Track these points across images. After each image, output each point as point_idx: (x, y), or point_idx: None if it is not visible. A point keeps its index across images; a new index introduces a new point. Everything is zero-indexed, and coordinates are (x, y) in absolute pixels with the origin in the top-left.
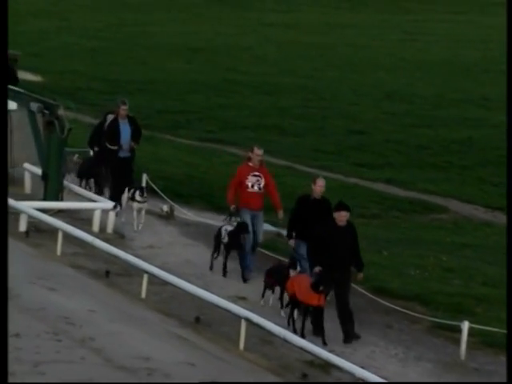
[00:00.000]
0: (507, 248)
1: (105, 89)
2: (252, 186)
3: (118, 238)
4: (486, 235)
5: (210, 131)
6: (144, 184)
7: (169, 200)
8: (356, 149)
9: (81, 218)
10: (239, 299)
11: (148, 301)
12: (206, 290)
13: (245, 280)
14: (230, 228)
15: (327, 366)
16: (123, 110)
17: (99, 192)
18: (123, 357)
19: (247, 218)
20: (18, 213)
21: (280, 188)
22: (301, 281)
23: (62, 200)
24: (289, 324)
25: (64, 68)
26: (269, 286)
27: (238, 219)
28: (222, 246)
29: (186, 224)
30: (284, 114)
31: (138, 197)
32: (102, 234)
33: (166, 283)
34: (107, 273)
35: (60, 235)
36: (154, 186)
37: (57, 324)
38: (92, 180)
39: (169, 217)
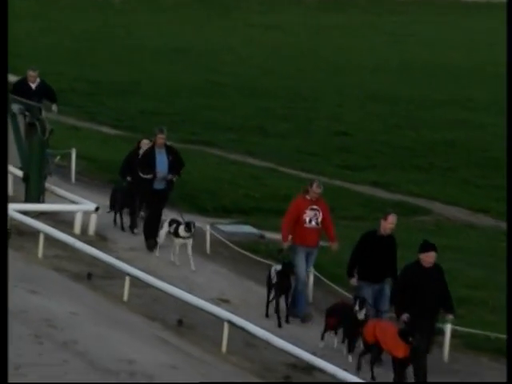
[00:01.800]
0: (507, 251)
1: (88, 90)
2: (309, 221)
3: (101, 240)
4: (469, 237)
5: (194, 133)
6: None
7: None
8: (340, 150)
9: (62, 220)
10: (222, 302)
11: (130, 303)
12: (189, 292)
13: (304, 321)
14: (278, 268)
15: (310, 368)
16: (160, 138)
17: (133, 225)
18: (106, 359)
19: (302, 256)
20: None
21: (263, 190)
22: (385, 328)
23: (43, 202)
24: (359, 369)
25: (47, 69)
26: (331, 327)
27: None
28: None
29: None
30: (267, 116)
31: (182, 232)
32: (83, 236)
33: (148, 286)
34: (89, 275)
35: (41, 237)
36: None
37: (39, 327)
38: (125, 211)
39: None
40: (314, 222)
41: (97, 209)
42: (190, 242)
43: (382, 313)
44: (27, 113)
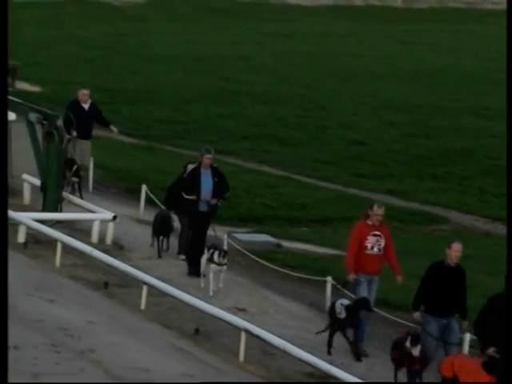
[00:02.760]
0: (507, 254)
1: (103, 99)
2: (371, 248)
3: (117, 249)
4: (486, 246)
5: (209, 141)
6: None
7: (168, 211)
8: (355, 159)
9: (80, 229)
10: (239, 310)
11: (147, 312)
12: (206, 301)
13: (359, 357)
14: (346, 302)
15: (327, 377)
16: (207, 158)
17: (180, 252)
18: (122, 368)
19: (364, 285)
20: (16, 224)
21: (279, 199)
22: (464, 362)
23: (60, 211)
24: None
25: (62, 78)
26: (392, 360)
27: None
28: (336, 323)
29: None
30: (282, 124)
31: (216, 258)
32: (100, 244)
33: (165, 294)
34: (106, 284)
35: (59, 246)
36: (152, 196)
37: (55, 335)
38: (168, 238)
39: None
40: (376, 249)
41: (114, 218)
42: (223, 268)
43: (451, 345)
44: (45, 122)
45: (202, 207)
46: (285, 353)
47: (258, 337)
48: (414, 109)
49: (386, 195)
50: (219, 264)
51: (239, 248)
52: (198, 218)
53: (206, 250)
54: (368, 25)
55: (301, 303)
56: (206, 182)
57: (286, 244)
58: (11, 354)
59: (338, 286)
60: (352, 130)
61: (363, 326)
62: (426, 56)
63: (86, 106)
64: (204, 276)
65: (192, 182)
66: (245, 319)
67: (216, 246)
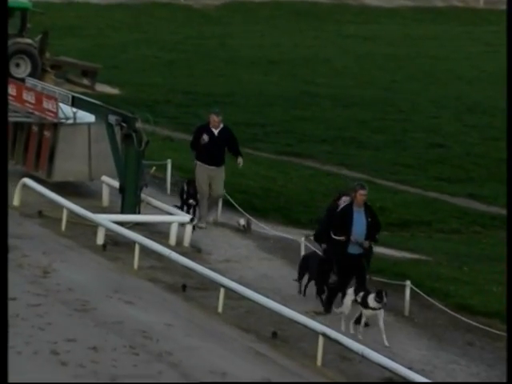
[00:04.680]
0: (507, 251)
1: (183, 102)
2: None
3: (195, 251)
4: None
5: (288, 144)
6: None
7: (246, 214)
8: (436, 162)
9: (158, 231)
10: (317, 314)
11: (225, 315)
12: (283, 305)
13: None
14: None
15: (406, 383)
16: (361, 195)
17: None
18: (200, 372)
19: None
20: (95, 226)
21: None
22: None
23: (139, 213)
24: None
25: (142, 80)
26: None
27: None
28: None
29: (263, 238)
30: (362, 127)
31: (372, 302)
32: (178, 247)
33: (242, 298)
34: (184, 287)
35: (137, 248)
36: (231, 199)
37: (134, 338)
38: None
39: (246, 230)
40: None
41: (192, 220)
42: (381, 312)
43: None
44: (124, 124)
45: (353, 249)
46: (363, 357)
47: (336, 341)
48: (499, 112)
49: (467, 199)
50: (375, 308)
51: (317, 251)
52: (350, 262)
53: (351, 291)
54: (449, 26)
55: None
56: (360, 223)
57: None
58: (90, 355)
59: (417, 290)
60: (433, 133)
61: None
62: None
63: (215, 131)
64: (344, 317)
65: (343, 221)
66: (322, 323)
67: (366, 289)
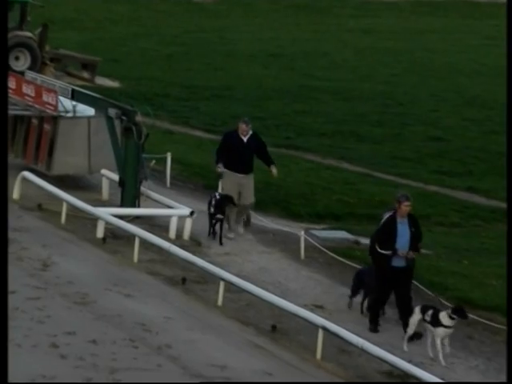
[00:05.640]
0: (507, 248)
1: (182, 95)
2: None
3: (195, 244)
4: None
5: (287, 138)
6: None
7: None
8: (435, 156)
9: (158, 225)
10: (316, 308)
11: (224, 308)
12: (283, 298)
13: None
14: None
15: (406, 376)
16: (406, 206)
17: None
18: (199, 365)
19: None
20: (95, 219)
21: (357, 195)
22: None
23: (138, 206)
24: None
25: (141, 74)
26: None
27: None
28: None
29: (263, 231)
30: (362, 121)
31: (446, 320)
32: (178, 240)
33: (242, 291)
34: (184, 280)
35: (137, 242)
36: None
37: (133, 331)
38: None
39: (245, 224)
40: None
41: (191, 213)
42: (450, 331)
43: None
44: (123, 117)
45: (397, 262)
46: (363, 351)
47: (335, 334)
48: (498, 105)
49: (467, 192)
50: (449, 327)
51: (317, 245)
52: (393, 276)
53: (418, 311)
54: (449, 19)
55: None
56: (403, 234)
57: (364, 241)
58: (89, 348)
59: (417, 284)
60: (432, 126)
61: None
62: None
63: (244, 139)
64: (419, 337)
65: (388, 234)
66: (322, 316)
67: (435, 307)
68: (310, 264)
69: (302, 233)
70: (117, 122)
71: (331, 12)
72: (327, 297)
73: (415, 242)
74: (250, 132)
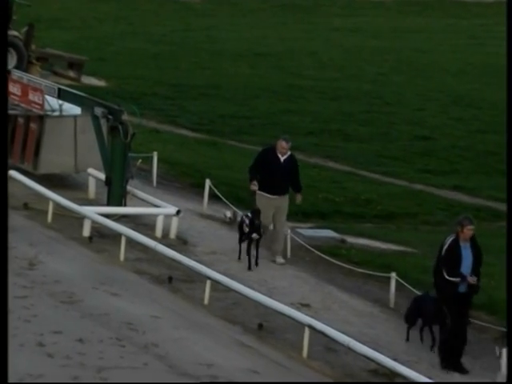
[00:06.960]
0: (507, 247)
1: (169, 94)
2: None
3: (181, 243)
4: None
5: (274, 136)
6: None
7: (232, 206)
8: (422, 155)
9: (144, 224)
10: (302, 306)
11: (211, 307)
12: (269, 296)
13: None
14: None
15: (392, 375)
16: (469, 230)
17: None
18: (186, 363)
19: None
20: (81, 218)
21: (343, 194)
22: None
23: (125, 205)
24: None
25: (128, 73)
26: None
27: None
28: None
29: None
30: (349, 120)
31: None
32: (164, 239)
33: (228, 289)
34: (170, 278)
35: (123, 240)
36: (216, 191)
37: (120, 330)
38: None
39: (232, 222)
40: None
41: (178, 212)
42: None
43: None
44: (110, 116)
45: (461, 288)
46: (349, 349)
47: (321, 333)
48: (484, 104)
49: (452, 191)
50: None
51: (303, 243)
52: (457, 302)
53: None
54: (436, 19)
55: (365, 299)
56: (467, 258)
57: (350, 240)
58: (76, 347)
59: (403, 282)
60: (419, 125)
61: None
62: (495, 51)
63: (282, 158)
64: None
65: (455, 259)
66: (308, 315)
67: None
68: (296, 263)
69: (289, 231)
70: (103, 121)
71: (318, 11)
72: (313, 295)
73: (478, 265)
74: (289, 153)
